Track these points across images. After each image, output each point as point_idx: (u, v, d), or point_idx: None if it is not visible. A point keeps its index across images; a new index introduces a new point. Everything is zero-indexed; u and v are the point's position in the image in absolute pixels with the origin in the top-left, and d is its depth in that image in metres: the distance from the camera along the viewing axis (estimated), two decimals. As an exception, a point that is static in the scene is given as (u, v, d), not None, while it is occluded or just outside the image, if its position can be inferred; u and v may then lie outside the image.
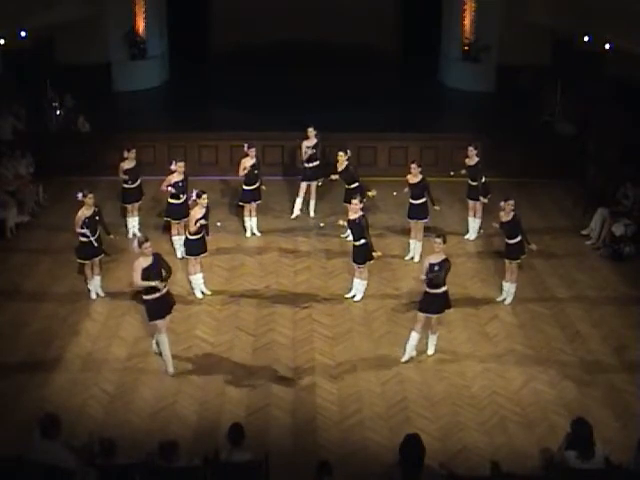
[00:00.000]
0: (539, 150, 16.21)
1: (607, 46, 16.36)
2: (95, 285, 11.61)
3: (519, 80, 18.71)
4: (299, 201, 14.24)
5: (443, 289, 9.99)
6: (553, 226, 14.19)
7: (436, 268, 9.81)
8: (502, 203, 11.32)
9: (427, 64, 21.14)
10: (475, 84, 19.94)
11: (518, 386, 9.75)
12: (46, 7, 16.48)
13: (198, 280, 11.68)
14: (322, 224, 13.17)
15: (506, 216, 11.27)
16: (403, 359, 10.20)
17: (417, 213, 12.65)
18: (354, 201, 11.31)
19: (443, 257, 9.94)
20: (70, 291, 11.80)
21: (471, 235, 13.62)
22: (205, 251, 11.64)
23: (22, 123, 16.69)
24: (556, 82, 17.52)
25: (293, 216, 14.26)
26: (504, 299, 11.64)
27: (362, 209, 11.41)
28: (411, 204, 12.68)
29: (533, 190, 15.46)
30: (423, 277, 9.92)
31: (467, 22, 20.20)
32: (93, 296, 11.60)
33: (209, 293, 11.75)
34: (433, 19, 21.08)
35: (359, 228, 11.22)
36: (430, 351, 10.35)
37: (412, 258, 12.79)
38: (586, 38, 17.04)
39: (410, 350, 10.21)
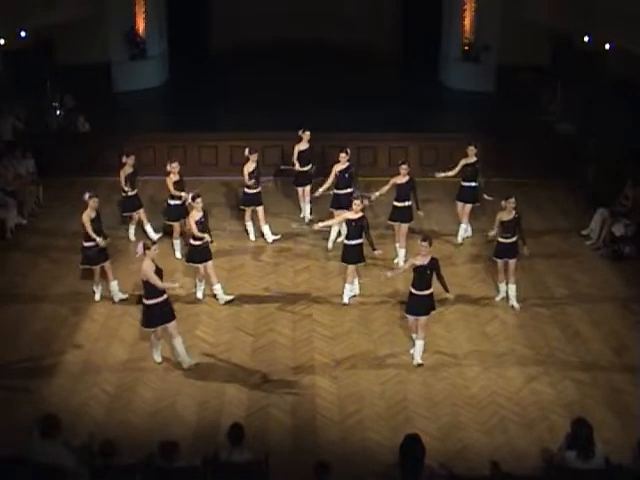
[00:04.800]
0: (539, 150, 16.18)
1: (607, 46, 16.37)
2: (114, 290, 11.43)
3: (519, 80, 18.70)
4: (306, 207, 14.08)
5: (429, 291, 9.88)
6: (553, 226, 14.17)
7: (423, 267, 9.74)
8: (503, 202, 11.18)
9: (427, 64, 21.13)
10: (475, 84, 19.92)
11: (518, 386, 9.75)
12: (46, 7, 16.47)
13: (217, 289, 11.50)
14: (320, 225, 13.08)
15: (507, 215, 11.20)
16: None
17: (400, 215, 12.33)
18: (356, 201, 11.15)
19: (429, 258, 9.77)
20: (70, 291, 11.79)
21: (468, 234, 13.53)
22: (210, 258, 11.36)
23: (22, 123, 16.68)
24: (556, 82, 17.51)
25: (306, 221, 13.98)
26: (502, 297, 11.60)
27: (362, 210, 11.35)
28: (394, 206, 12.35)
29: (533, 190, 15.43)
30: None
31: (467, 22, 20.19)
32: (97, 297, 11.50)
33: (222, 302, 11.53)
34: (433, 19, 21.07)
35: (357, 228, 11.14)
36: (416, 360, 10.07)
37: (397, 263, 12.42)
38: (586, 38, 17.05)
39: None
